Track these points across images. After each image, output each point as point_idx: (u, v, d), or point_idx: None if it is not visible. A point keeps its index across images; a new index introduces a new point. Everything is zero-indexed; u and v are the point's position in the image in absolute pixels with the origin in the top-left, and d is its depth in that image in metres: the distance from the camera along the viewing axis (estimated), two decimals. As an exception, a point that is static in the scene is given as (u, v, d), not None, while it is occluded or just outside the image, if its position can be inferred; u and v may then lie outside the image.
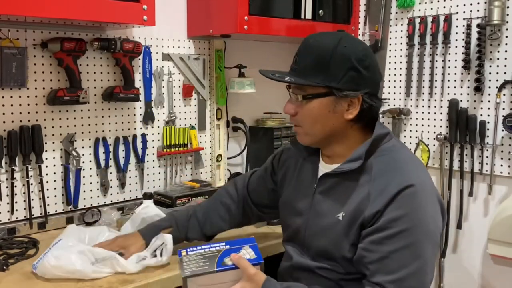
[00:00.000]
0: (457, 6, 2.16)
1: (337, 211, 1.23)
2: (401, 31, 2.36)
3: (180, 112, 2.21)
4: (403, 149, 1.29)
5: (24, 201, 1.79)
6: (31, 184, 1.79)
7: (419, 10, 2.28)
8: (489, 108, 2.10)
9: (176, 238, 1.51)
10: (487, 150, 2.11)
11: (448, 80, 2.22)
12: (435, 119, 2.27)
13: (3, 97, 1.72)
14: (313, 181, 1.33)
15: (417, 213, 1.14)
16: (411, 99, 2.34)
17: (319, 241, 1.27)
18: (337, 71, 1.19)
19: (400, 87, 2.36)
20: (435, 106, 2.27)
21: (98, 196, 1.98)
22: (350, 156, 1.24)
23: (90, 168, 1.95)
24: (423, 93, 2.30)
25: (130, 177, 2.07)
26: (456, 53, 2.18)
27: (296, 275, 1.34)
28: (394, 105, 2.38)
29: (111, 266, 1.42)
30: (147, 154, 2.11)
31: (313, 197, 1.31)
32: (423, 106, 2.31)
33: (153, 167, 2.15)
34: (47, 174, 1.84)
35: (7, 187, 1.75)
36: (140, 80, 2.06)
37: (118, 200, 2.04)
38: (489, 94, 2.09)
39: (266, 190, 1.55)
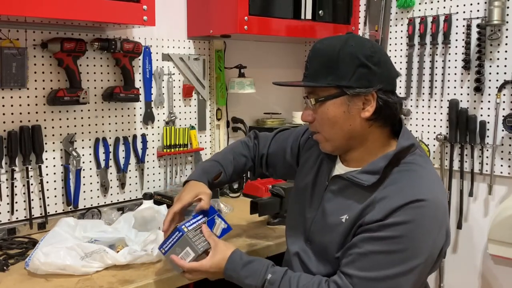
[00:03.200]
0: (457, 6, 2.16)
1: (342, 213, 1.23)
2: (401, 31, 2.36)
3: (180, 112, 2.21)
4: (425, 163, 1.24)
5: (24, 201, 1.79)
6: (31, 184, 1.79)
7: (419, 10, 2.29)
8: (489, 108, 2.10)
9: (223, 182, 1.57)
10: (487, 150, 2.11)
11: (448, 80, 2.22)
12: (435, 119, 2.27)
13: (3, 97, 1.72)
14: (326, 178, 1.33)
15: (416, 225, 1.11)
16: (411, 99, 2.35)
17: (321, 237, 1.28)
18: (346, 70, 1.18)
19: (400, 87, 2.36)
20: (435, 106, 2.27)
21: (98, 197, 1.98)
22: (367, 166, 1.21)
23: (90, 169, 1.95)
24: (423, 93, 2.30)
25: (130, 177, 2.07)
26: (456, 53, 2.18)
27: (291, 262, 1.35)
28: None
29: (100, 259, 1.43)
30: (147, 154, 2.11)
31: (324, 194, 1.31)
32: (423, 106, 2.31)
33: (153, 167, 2.15)
34: (47, 175, 1.84)
35: (7, 187, 1.75)
36: (140, 80, 2.06)
37: (118, 200, 2.04)
38: (489, 94, 2.10)
39: (285, 161, 1.56)
